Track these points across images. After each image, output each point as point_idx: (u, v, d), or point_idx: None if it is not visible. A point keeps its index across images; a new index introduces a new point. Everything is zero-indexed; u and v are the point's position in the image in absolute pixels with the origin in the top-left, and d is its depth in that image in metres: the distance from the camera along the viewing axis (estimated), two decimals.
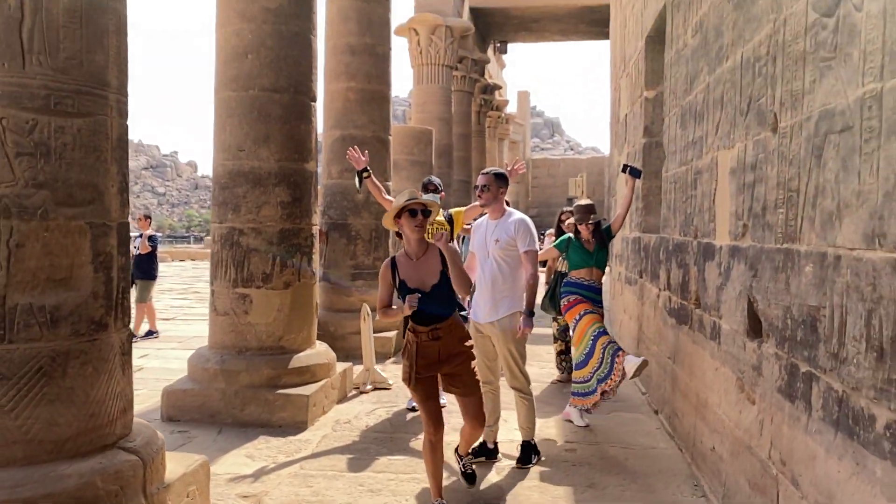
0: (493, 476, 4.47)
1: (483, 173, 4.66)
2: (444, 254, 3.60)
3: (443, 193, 5.88)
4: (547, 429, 5.41)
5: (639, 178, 5.80)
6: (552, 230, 7.58)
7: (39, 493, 2.84)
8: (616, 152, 10.61)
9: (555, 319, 7.10)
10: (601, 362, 5.20)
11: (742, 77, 3.59)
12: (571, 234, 5.74)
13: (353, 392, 6.50)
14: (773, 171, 3.07)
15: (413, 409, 5.84)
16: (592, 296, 5.50)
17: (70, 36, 3.01)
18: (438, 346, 3.65)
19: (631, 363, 5.05)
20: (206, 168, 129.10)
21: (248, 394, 5.44)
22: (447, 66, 15.49)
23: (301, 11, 5.77)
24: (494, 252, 4.45)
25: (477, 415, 3.85)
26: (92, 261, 3.12)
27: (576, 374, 5.41)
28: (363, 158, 5.48)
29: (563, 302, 5.58)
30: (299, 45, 5.76)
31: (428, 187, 5.77)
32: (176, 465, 3.63)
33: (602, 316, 5.47)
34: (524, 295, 4.50)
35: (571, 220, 6.01)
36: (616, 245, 9.94)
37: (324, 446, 4.98)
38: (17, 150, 2.89)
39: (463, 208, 5.77)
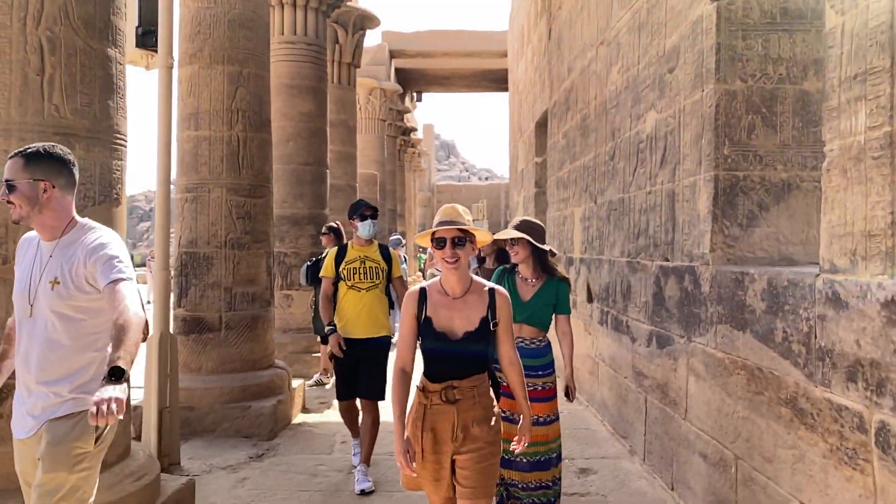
0: None
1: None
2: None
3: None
4: None
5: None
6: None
7: (252, 383, 5.50)
8: (515, 193, 13.83)
9: None
10: None
11: (583, 172, 6.72)
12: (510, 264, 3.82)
13: None
14: (594, 222, 6.20)
15: (363, 493, 4.20)
16: (529, 363, 3.41)
17: (258, 158, 5.71)
18: (453, 412, 2.57)
19: None
20: (132, 191, 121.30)
21: (293, 357, 8.06)
22: (381, 119, 18.40)
23: (321, 113, 8.56)
24: (48, 301, 2.22)
25: None
26: (265, 270, 5.81)
27: None
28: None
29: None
30: (320, 134, 8.53)
31: (365, 212, 4.54)
32: None
33: (548, 391, 3.65)
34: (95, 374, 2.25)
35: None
36: None
37: None
38: (237, 216, 5.58)
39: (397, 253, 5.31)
